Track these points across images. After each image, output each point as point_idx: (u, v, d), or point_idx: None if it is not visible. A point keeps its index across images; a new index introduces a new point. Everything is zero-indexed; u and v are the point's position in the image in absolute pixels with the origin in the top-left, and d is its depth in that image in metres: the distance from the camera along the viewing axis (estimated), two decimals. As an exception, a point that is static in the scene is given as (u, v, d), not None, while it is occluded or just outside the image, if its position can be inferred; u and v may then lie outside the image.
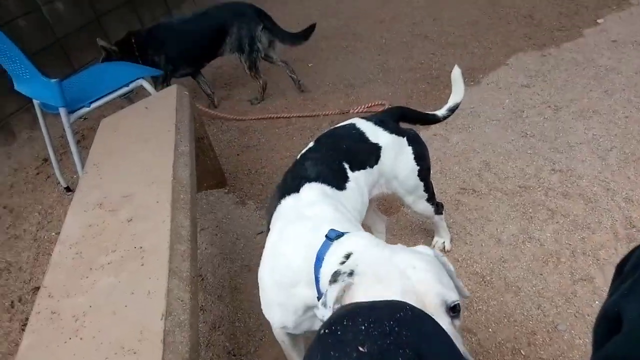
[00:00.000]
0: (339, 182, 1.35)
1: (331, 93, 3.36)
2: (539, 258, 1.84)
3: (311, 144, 1.50)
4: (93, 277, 1.28)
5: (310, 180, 1.32)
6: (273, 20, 3.32)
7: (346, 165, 1.40)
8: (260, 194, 2.57)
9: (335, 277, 0.92)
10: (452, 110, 1.78)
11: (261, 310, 1.88)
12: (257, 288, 2.00)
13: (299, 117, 3.16)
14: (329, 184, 1.32)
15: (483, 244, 1.94)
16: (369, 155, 1.46)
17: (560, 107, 2.66)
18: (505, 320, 1.64)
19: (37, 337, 1.14)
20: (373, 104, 3.03)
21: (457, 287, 0.94)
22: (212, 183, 2.65)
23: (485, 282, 1.79)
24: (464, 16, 4.03)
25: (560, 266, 1.79)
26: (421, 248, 0.99)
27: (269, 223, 1.35)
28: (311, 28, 3.29)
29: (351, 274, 0.91)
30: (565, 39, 3.34)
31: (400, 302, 0.64)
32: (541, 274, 1.78)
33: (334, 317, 0.62)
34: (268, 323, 1.82)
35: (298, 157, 1.49)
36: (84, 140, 3.47)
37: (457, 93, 1.78)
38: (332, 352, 0.55)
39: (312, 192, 1.29)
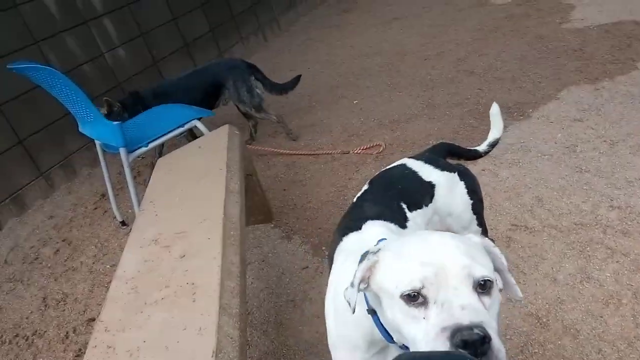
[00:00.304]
0: (400, 221, 1.33)
1: (376, 129, 3.39)
2: (599, 299, 1.74)
3: (366, 187, 1.49)
4: (147, 312, 1.32)
5: (372, 219, 1.30)
6: (262, 72, 3.56)
7: (404, 206, 1.39)
8: (305, 229, 2.60)
9: (363, 257, 0.93)
10: (492, 145, 1.80)
11: (307, 347, 1.87)
12: (302, 324, 2.01)
13: (302, 154, 3.34)
14: (391, 222, 1.31)
15: (538, 284, 1.86)
16: (423, 194, 1.44)
17: (617, 142, 2.55)
18: (565, 366, 1.55)
19: (94, 370, 1.19)
20: (371, 145, 3.19)
21: (506, 282, 0.89)
22: (259, 218, 2.70)
23: (541, 324, 1.70)
24: (511, 51, 4.00)
25: (622, 308, 1.68)
26: (470, 235, 0.94)
27: (330, 264, 1.34)
28: (297, 78, 3.64)
29: (377, 252, 0.92)
30: (618, 72, 3.23)
31: (460, 354, 0.62)
32: (601, 316, 1.67)
33: None
34: (314, 361, 1.82)
35: (354, 200, 1.48)
36: (139, 176, 3.65)
37: (496, 128, 1.80)
38: None
39: (376, 228, 1.26)
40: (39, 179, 3.70)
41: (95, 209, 3.44)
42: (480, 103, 3.33)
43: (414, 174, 1.47)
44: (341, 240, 1.30)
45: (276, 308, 2.14)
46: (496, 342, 0.73)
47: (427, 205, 1.43)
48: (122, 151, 2.40)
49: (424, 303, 0.80)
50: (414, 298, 0.81)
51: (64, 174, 3.83)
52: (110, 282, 2.59)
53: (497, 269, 0.91)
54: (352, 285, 0.92)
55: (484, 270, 0.81)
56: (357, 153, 3.15)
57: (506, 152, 2.71)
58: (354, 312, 0.93)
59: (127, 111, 2.97)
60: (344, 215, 1.44)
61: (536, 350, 1.62)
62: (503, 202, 2.33)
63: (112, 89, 4.29)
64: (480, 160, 2.67)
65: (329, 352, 1.82)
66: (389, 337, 0.96)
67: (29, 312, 2.56)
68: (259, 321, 2.10)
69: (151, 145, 2.51)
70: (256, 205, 2.62)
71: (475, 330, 0.71)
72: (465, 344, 0.70)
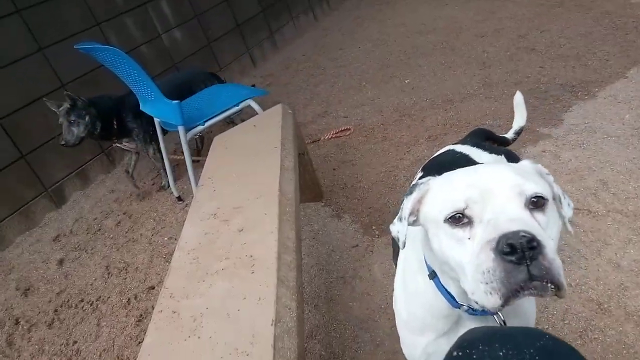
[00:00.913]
0: None
1: (429, 109, 3.32)
2: (667, 288, 1.65)
3: (420, 173, 1.46)
4: (209, 282, 1.37)
5: None
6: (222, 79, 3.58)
7: None
8: (355, 208, 2.60)
9: (411, 190, 0.92)
10: (517, 133, 1.78)
11: (357, 322, 1.90)
12: (352, 300, 2.03)
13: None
14: None
15: (600, 269, 1.78)
16: None
17: (693, 123, 2.38)
18: (625, 351, 1.49)
19: (159, 334, 1.25)
20: (340, 129, 3.34)
21: (560, 203, 0.83)
22: (310, 196, 2.73)
23: (602, 310, 1.64)
24: (575, 27, 3.78)
25: (693, 299, 1.59)
26: (524, 161, 0.90)
27: (395, 257, 1.31)
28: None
29: (428, 181, 0.91)
30: (697, 47, 2.99)
31: (539, 330, 0.61)
32: (668, 306, 1.59)
33: (467, 339, 0.61)
34: (364, 335, 1.84)
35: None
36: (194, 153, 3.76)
37: (521, 117, 1.79)
38: None
39: None
40: (101, 155, 3.90)
41: (153, 184, 3.59)
42: (542, 82, 3.18)
43: (465, 157, 1.44)
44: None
45: (327, 284, 2.17)
46: (550, 251, 0.67)
47: None
48: (181, 129, 2.48)
49: (469, 223, 0.77)
50: (458, 220, 0.77)
51: (123, 151, 4.01)
52: (168, 253, 2.73)
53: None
54: (400, 219, 0.92)
55: (536, 187, 0.75)
56: (329, 139, 3.28)
57: (569, 133, 2.58)
58: (403, 246, 0.93)
59: (97, 109, 2.88)
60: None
61: (596, 336, 1.57)
62: (565, 185, 2.23)
63: (168, 69, 4.42)
64: (541, 142, 2.59)
65: (379, 328, 1.85)
66: (452, 299, 0.94)
67: (93, 279, 2.72)
68: (310, 296, 2.14)
69: (208, 123, 2.58)
70: (307, 183, 2.65)
71: (522, 234, 0.67)
72: (512, 249, 0.66)
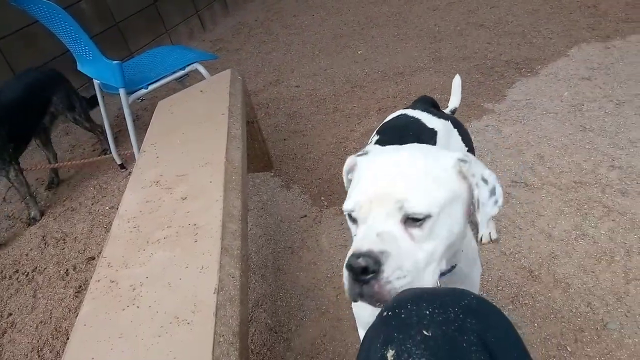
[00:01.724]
0: None
1: (380, 81, 3.33)
2: (592, 255, 1.77)
3: (376, 136, 1.47)
4: (150, 250, 1.33)
5: None
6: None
7: None
8: (305, 179, 2.60)
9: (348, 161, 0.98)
10: (452, 112, 1.87)
11: (303, 291, 1.92)
12: (299, 270, 2.05)
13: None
14: None
15: (533, 239, 1.89)
16: (428, 141, 1.44)
17: (623, 102, 2.52)
18: (552, 316, 1.60)
19: (96, 304, 1.21)
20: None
21: (477, 206, 0.83)
22: (259, 166, 2.70)
23: (533, 277, 1.74)
24: (523, 5, 3.88)
25: (614, 265, 1.72)
26: (450, 154, 0.87)
27: None
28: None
29: (362, 155, 0.96)
30: (631, 31, 3.15)
31: (464, 290, 0.63)
32: (593, 272, 1.71)
33: (397, 299, 0.63)
34: (309, 304, 1.87)
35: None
36: (138, 120, 3.60)
37: (456, 98, 1.92)
38: (395, 334, 0.56)
39: None
40: (36, 119, 3.64)
41: (94, 150, 3.43)
42: (488, 57, 3.26)
43: (418, 122, 1.46)
44: None
45: (274, 254, 2.17)
46: (387, 275, 0.75)
47: None
48: (122, 92, 2.35)
49: (357, 222, 0.85)
50: (351, 217, 0.86)
51: (61, 114, 3.77)
52: (109, 223, 2.63)
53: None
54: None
55: (418, 207, 0.78)
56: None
57: (511, 108, 2.68)
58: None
59: None
60: None
61: (526, 302, 1.67)
62: (505, 158, 2.32)
63: (109, 28, 4.16)
64: (485, 116, 2.67)
65: (325, 297, 1.88)
66: None
67: (29, 249, 2.59)
68: (257, 265, 2.14)
69: (151, 87, 2.46)
70: (256, 153, 2.61)
71: (360, 259, 0.75)
72: (351, 269, 0.76)
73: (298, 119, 3.15)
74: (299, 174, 2.65)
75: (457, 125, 1.57)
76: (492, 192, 0.85)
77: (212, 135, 1.83)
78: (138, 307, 1.15)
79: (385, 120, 1.57)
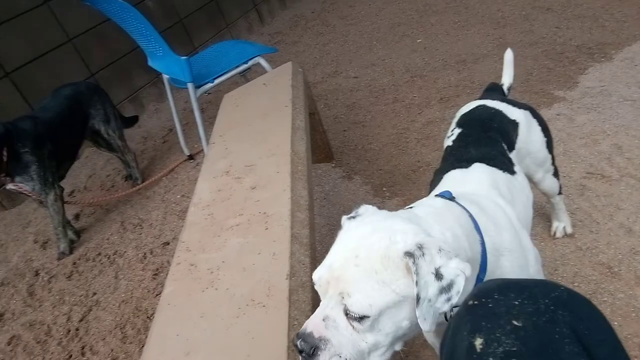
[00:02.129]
0: (508, 166, 1.28)
1: (441, 70, 3.26)
2: (677, 252, 1.67)
3: (458, 129, 1.43)
4: (224, 237, 1.41)
5: (481, 161, 1.24)
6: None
7: (505, 147, 1.33)
8: (366, 170, 2.61)
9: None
10: (508, 90, 1.75)
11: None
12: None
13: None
14: (500, 169, 1.24)
15: (611, 233, 1.80)
16: (512, 134, 1.40)
17: None
18: (634, 314, 1.53)
19: (178, 285, 1.30)
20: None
21: (418, 302, 0.78)
22: (320, 157, 2.74)
23: (612, 274, 1.67)
24: (596, -16, 3.65)
25: (701, 263, 1.61)
26: (399, 246, 0.82)
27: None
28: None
29: (349, 219, 0.98)
30: None
31: (554, 282, 0.63)
32: (678, 270, 1.61)
33: (482, 289, 0.63)
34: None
35: (449, 144, 1.42)
36: (203, 113, 3.75)
37: (508, 76, 1.75)
38: (483, 323, 0.57)
39: (482, 174, 1.20)
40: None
41: (164, 142, 3.61)
42: (557, 43, 3.10)
43: (499, 113, 1.42)
44: (442, 178, 1.27)
45: (336, 243, 2.21)
46: (324, 357, 0.80)
47: (514, 147, 1.40)
48: (190, 86, 2.47)
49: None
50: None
51: (133, 108, 4.00)
52: (180, 210, 2.78)
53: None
54: None
55: (355, 307, 0.80)
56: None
57: (584, 96, 2.55)
58: None
59: None
60: (443, 160, 1.41)
61: (605, 299, 1.60)
62: (578, 148, 2.22)
63: (174, 25, 4.35)
64: (555, 104, 2.56)
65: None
66: None
67: (109, 234, 2.79)
68: (321, 254, 2.17)
69: (217, 81, 2.56)
70: (317, 144, 2.65)
71: (299, 342, 0.82)
72: (295, 346, 0.83)
73: (357, 109, 3.16)
74: (360, 165, 2.67)
75: (536, 115, 1.52)
76: (446, 289, 0.78)
77: (276, 127, 1.89)
78: (216, 289, 1.23)
79: (462, 112, 1.52)
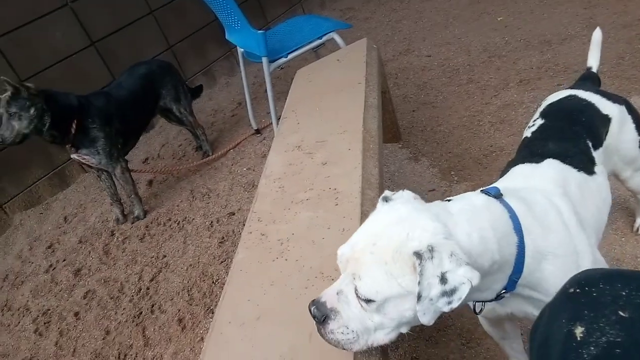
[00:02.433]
0: (587, 166, 1.19)
1: (522, 50, 3.08)
2: None
3: (540, 120, 1.34)
4: (294, 210, 1.43)
5: (556, 157, 1.16)
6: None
7: (590, 144, 1.23)
8: (434, 152, 2.55)
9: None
10: None
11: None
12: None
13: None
14: (576, 168, 1.16)
15: None
16: (601, 130, 1.30)
17: None
18: None
19: (249, 253, 1.34)
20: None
21: (419, 300, 0.80)
22: (387, 136, 2.70)
23: None
24: None
25: None
26: (411, 244, 0.83)
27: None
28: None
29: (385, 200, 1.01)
30: None
31: None
32: None
33: (585, 276, 0.60)
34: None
35: (527, 135, 1.35)
36: (272, 88, 3.80)
37: (594, 58, 1.58)
38: (585, 311, 0.54)
39: (554, 171, 1.13)
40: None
41: (233, 116, 3.71)
42: (657, 24, 2.83)
43: (591, 106, 1.32)
44: (509, 171, 1.22)
45: (401, 224, 2.18)
46: (332, 327, 0.87)
47: (602, 144, 1.29)
48: (264, 60, 2.50)
49: None
50: None
51: (205, 81, 4.13)
52: (246, 183, 2.85)
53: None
54: None
55: (362, 290, 0.85)
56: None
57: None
58: None
59: (49, 103, 2.38)
60: (517, 151, 1.33)
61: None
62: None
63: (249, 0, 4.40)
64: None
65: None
66: None
67: (179, 201, 2.92)
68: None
69: (291, 56, 2.57)
70: (386, 123, 2.61)
71: (313, 308, 0.89)
72: (310, 311, 0.90)
73: (428, 89, 3.07)
74: (427, 147, 2.60)
75: (632, 110, 1.38)
76: (448, 294, 0.80)
77: (349, 104, 1.88)
78: (286, 259, 1.25)
79: (549, 101, 1.42)
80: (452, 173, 2.36)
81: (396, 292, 0.83)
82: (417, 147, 2.64)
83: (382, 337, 0.89)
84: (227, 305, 1.18)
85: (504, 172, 1.27)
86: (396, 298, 0.84)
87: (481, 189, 1.06)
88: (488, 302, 1.06)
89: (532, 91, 2.66)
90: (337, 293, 0.89)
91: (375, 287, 0.84)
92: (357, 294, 0.86)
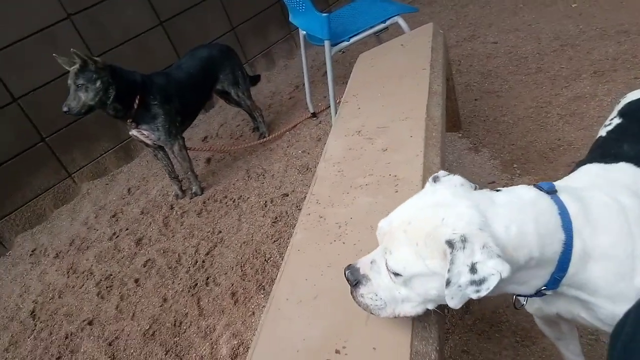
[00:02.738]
0: None
1: (598, 40, 2.90)
2: None
3: (618, 119, 1.25)
4: (353, 194, 1.43)
5: (631, 161, 1.08)
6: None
7: None
8: (496, 143, 2.46)
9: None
10: None
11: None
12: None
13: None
14: None
15: None
16: None
17: None
18: None
19: (307, 234, 1.36)
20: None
21: (448, 284, 0.82)
22: (447, 125, 2.61)
23: None
24: None
25: None
26: (446, 230, 0.84)
27: None
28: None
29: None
30: None
31: None
32: None
33: None
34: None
35: (602, 134, 1.26)
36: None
37: None
38: None
39: (627, 175, 1.05)
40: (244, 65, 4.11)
41: (290, 98, 3.74)
42: None
43: None
44: (576, 170, 1.15)
45: (457, 216, 2.14)
46: (363, 291, 0.95)
47: None
48: (327, 43, 2.49)
49: None
50: None
51: (264, 63, 4.18)
52: (301, 165, 2.88)
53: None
54: None
55: (390, 263, 0.90)
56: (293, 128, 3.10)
57: None
58: None
59: (114, 78, 2.46)
60: (589, 151, 1.25)
61: None
62: None
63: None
64: None
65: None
66: None
67: (235, 180, 3.00)
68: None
69: (353, 39, 2.55)
70: (447, 111, 2.53)
71: (347, 272, 0.97)
72: (345, 274, 0.98)
73: (493, 78, 2.96)
74: (489, 137, 2.52)
75: None
76: (477, 283, 0.81)
77: (412, 90, 1.84)
78: (344, 243, 1.26)
79: (629, 99, 1.30)
80: (515, 166, 2.27)
81: (422, 271, 0.87)
82: (478, 137, 2.55)
83: (409, 309, 0.94)
84: (284, 282, 1.21)
85: (572, 171, 1.20)
86: (422, 276, 0.88)
87: (535, 184, 1.02)
88: (533, 299, 1.04)
89: (607, 84, 2.50)
90: (371, 262, 0.96)
91: (402, 264, 0.89)
92: (387, 267, 0.92)
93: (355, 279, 0.96)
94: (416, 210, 0.92)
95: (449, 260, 0.82)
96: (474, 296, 0.82)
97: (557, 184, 1.03)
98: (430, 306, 0.93)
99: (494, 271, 0.80)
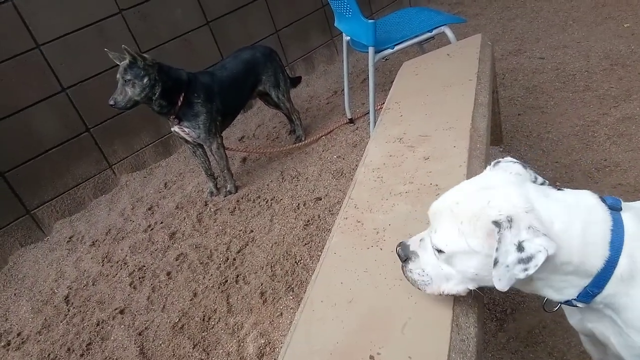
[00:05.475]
0: None
1: (653, 59, 2.79)
2: None
3: None
4: (392, 201, 1.41)
5: None
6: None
7: None
8: (538, 160, 2.39)
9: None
10: None
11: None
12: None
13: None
14: None
15: None
16: None
17: None
18: None
19: (344, 237, 1.35)
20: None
21: (494, 265, 0.85)
22: (490, 138, 2.58)
23: None
24: None
25: None
26: (499, 213, 0.86)
27: None
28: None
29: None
30: None
31: None
32: None
33: None
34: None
35: None
36: (364, 82, 3.78)
37: None
38: None
39: None
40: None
41: (327, 103, 3.75)
42: None
43: None
44: None
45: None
46: (410, 266, 1.03)
47: None
48: (371, 50, 2.49)
49: None
50: None
51: (304, 67, 4.21)
52: (335, 170, 2.87)
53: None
54: None
55: (434, 240, 0.96)
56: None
57: None
58: None
59: (161, 75, 2.52)
60: None
61: None
62: None
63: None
64: None
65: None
66: None
67: (269, 181, 3.02)
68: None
69: (397, 47, 2.53)
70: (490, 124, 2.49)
71: (398, 248, 1.06)
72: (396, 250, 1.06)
73: (538, 94, 2.88)
74: (531, 153, 2.45)
75: None
76: (524, 261, 0.83)
77: (457, 100, 1.81)
78: (381, 249, 1.24)
79: None
80: (558, 184, 2.20)
81: (463, 249, 0.91)
82: (520, 152, 2.49)
83: (452, 287, 0.99)
84: (320, 284, 1.20)
85: None
86: (462, 254, 0.92)
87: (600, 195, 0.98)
88: (574, 310, 1.03)
89: (660, 105, 2.40)
90: (420, 240, 1.03)
91: (445, 241, 0.93)
92: (432, 244, 0.97)
93: (405, 255, 1.04)
94: (466, 192, 0.95)
95: (496, 240, 0.84)
96: (522, 275, 0.83)
97: (630, 204, 0.99)
98: (471, 286, 0.97)
99: (540, 248, 0.81)
